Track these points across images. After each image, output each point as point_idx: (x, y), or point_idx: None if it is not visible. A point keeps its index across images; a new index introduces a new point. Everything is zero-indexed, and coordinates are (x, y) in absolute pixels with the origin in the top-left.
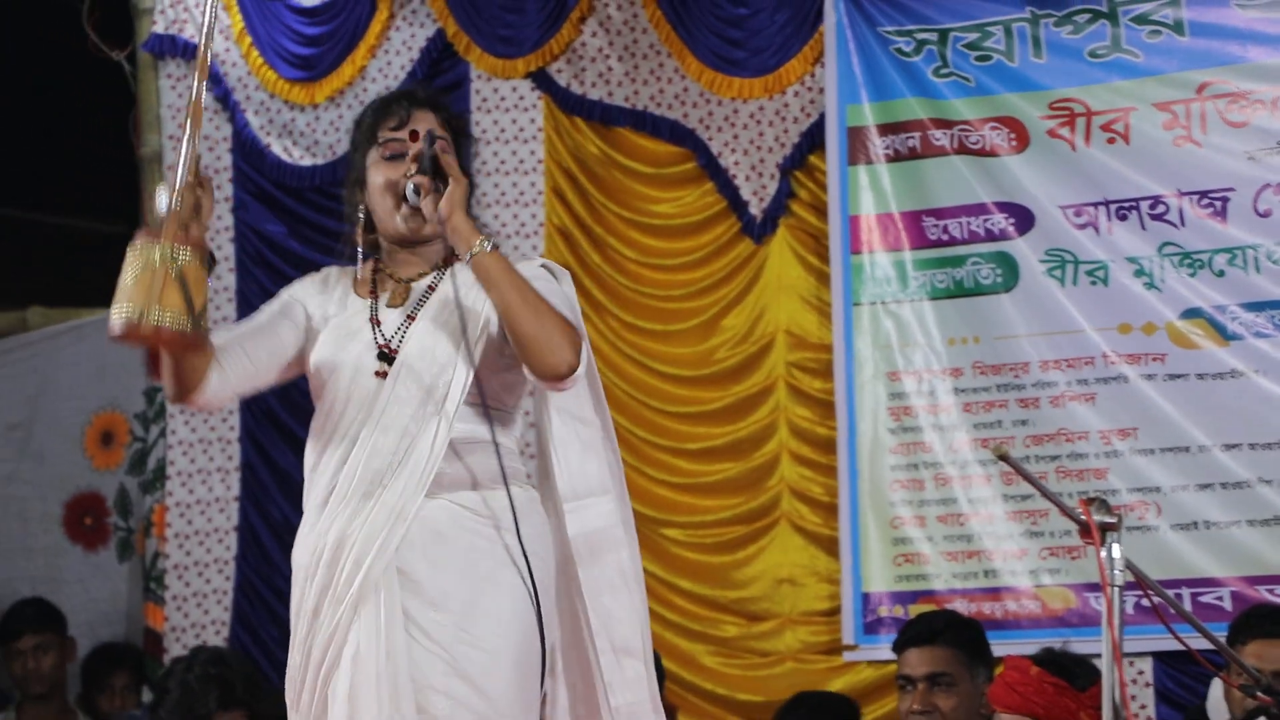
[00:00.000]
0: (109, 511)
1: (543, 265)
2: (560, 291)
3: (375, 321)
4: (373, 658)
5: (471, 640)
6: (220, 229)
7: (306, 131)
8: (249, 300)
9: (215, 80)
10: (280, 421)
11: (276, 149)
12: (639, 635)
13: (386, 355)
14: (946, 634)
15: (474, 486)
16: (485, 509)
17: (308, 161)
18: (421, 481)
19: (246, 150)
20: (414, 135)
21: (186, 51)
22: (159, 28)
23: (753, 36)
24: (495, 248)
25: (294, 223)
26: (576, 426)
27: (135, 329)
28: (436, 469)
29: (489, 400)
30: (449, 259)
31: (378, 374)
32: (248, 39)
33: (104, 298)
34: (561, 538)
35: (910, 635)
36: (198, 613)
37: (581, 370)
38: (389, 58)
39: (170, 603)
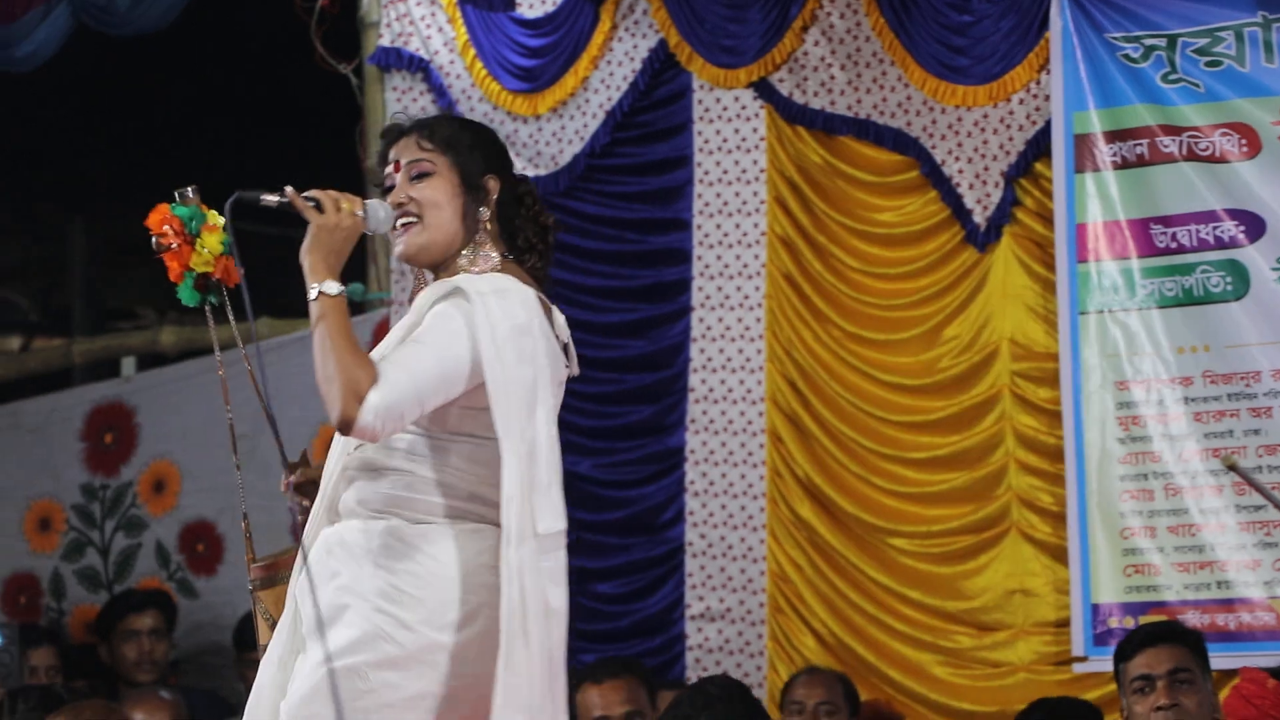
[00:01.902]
0: None
1: (451, 293)
2: (434, 334)
3: None
4: (259, 689)
5: (296, 676)
6: None
7: (529, 143)
8: None
9: (440, 92)
10: None
11: None
12: None
13: None
14: (1180, 635)
15: (357, 515)
16: (357, 538)
17: (530, 172)
18: (318, 512)
19: None
20: (396, 165)
21: (412, 64)
22: (385, 41)
23: (977, 44)
24: (321, 294)
25: None
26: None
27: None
28: (334, 496)
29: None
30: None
31: None
32: (471, 51)
33: None
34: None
35: (1143, 637)
36: None
37: (368, 422)
38: (611, 69)
39: None
